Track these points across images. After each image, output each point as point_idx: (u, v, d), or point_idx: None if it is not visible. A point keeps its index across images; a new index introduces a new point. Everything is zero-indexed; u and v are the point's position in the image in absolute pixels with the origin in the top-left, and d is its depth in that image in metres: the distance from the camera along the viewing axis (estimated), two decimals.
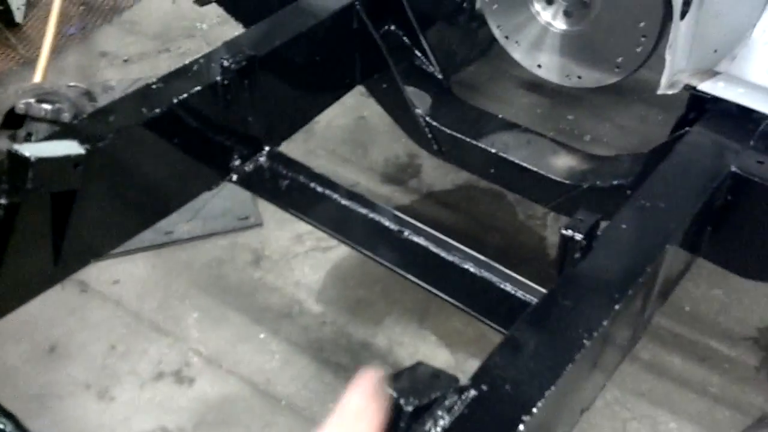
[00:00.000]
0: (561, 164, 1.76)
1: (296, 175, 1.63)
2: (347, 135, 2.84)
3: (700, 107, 1.54)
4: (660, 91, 1.52)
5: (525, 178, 1.75)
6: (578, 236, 1.15)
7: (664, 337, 2.15)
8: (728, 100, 1.49)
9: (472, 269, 1.43)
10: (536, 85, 2.91)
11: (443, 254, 1.47)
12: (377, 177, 2.68)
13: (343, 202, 1.57)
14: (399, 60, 1.89)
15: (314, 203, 1.61)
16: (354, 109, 2.88)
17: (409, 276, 1.49)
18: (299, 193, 1.63)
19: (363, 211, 1.55)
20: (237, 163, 1.65)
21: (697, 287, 2.29)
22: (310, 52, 1.72)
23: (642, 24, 1.61)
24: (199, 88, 1.49)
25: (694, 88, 1.52)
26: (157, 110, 1.43)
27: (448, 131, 1.83)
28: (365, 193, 2.56)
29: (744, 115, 1.47)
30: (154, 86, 1.48)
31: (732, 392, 2.03)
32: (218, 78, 1.51)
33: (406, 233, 1.50)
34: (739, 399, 2.01)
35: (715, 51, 1.55)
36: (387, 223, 1.52)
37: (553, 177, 1.71)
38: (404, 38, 1.92)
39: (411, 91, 1.89)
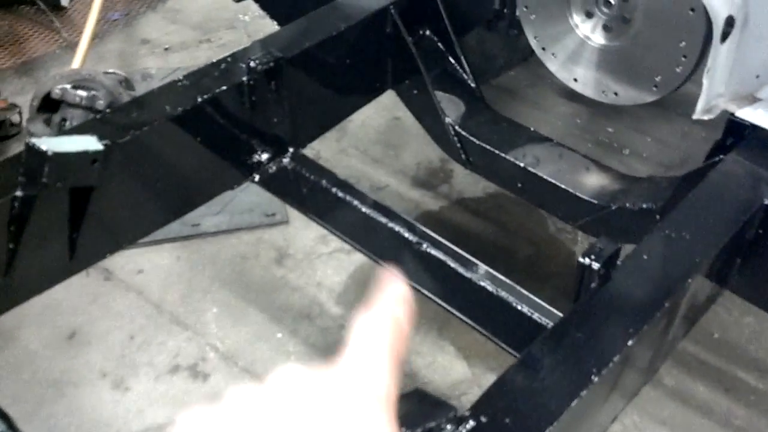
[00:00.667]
0: (591, 183, 1.71)
1: (318, 179, 1.61)
2: (380, 136, 2.82)
3: (737, 133, 1.48)
4: (695, 116, 1.46)
5: (553, 194, 1.70)
6: (596, 265, 1.11)
7: (689, 363, 2.09)
8: (767, 129, 1.43)
9: (489, 287, 1.40)
10: (576, 95, 2.84)
11: (461, 270, 1.43)
12: (408, 180, 2.65)
13: (363, 209, 1.54)
14: (432, 66, 1.86)
15: (334, 209, 1.58)
16: (389, 110, 2.85)
17: (424, 290, 1.46)
18: (320, 197, 1.60)
19: (382, 220, 1.51)
20: (260, 163, 1.63)
21: (728, 314, 2.22)
22: (340, 55, 1.70)
23: (683, 43, 1.55)
24: (224, 87, 1.47)
25: (732, 114, 1.46)
26: (181, 108, 1.41)
27: (478, 142, 1.80)
28: (394, 196, 2.56)
29: None
30: (179, 83, 1.47)
31: (757, 426, 1.96)
32: (244, 78, 1.49)
33: (424, 246, 1.47)
34: None
35: (757, 76, 1.49)
36: (406, 234, 1.49)
37: (581, 196, 1.66)
38: (438, 44, 1.88)
39: (442, 99, 1.85)
